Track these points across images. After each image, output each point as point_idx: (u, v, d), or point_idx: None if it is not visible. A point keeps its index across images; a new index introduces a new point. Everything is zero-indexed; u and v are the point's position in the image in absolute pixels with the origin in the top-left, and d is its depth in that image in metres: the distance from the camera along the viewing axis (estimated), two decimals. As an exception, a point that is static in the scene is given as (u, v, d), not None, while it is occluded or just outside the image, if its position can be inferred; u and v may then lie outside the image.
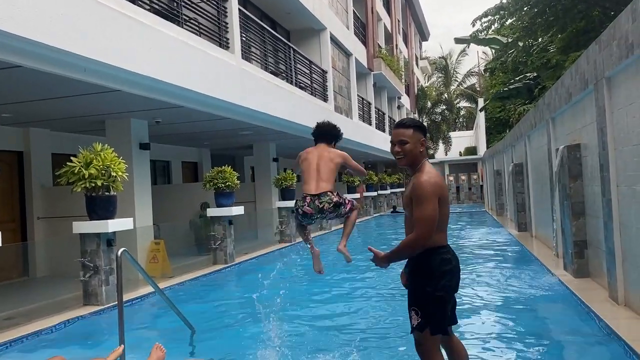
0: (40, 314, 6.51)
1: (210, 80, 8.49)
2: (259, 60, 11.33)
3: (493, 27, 18.54)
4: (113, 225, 7.05)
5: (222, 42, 9.30)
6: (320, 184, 4.45)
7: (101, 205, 6.98)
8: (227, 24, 9.48)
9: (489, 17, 17.51)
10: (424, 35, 46.78)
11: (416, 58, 41.42)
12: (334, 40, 17.39)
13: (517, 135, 14.55)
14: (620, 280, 5.65)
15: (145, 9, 7.14)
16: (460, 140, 41.11)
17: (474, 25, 18.28)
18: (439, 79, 46.27)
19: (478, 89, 42.03)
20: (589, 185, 7.04)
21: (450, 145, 39.79)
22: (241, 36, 10.07)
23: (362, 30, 22.47)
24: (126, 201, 8.59)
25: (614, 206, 5.67)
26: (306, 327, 5.95)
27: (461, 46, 41.37)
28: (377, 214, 25.91)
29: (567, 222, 7.67)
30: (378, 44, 25.04)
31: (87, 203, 7.01)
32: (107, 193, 6.98)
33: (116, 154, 7.13)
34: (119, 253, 4.45)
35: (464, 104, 46.01)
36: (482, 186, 33.24)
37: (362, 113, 21.17)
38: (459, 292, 3.37)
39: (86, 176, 6.68)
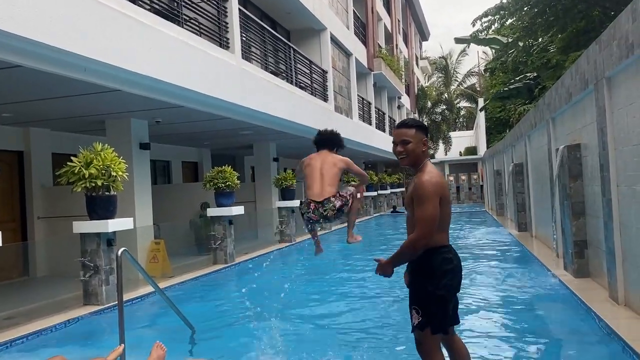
0: (40, 313, 6.51)
1: (210, 80, 8.49)
2: (259, 60, 11.33)
3: (493, 27, 18.55)
4: (113, 225, 7.05)
5: (222, 42, 9.30)
6: (325, 188, 4.53)
7: (101, 205, 6.98)
8: (227, 23, 9.48)
9: (489, 17, 17.52)
10: (424, 35, 46.78)
11: (416, 58, 41.41)
12: (334, 40, 17.39)
13: (517, 135, 14.55)
14: (620, 280, 5.65)
15: (145, 8, 7.14)
16: (461, 140, 41.11)
17: (474, 25, 18.31)
18: (439, 79, 46.26)
19: (478, 89, 42.04)
20: (589, 185, 7.04)
21: (450, 145, 39.78)
22: (241, 36, 10.07)
23: (362, 30, 22.46)
24: (126, 201, 8.59)
25: (614, 206, 5.67)
26: (306, 327, 5.95)
27: (461, 46, 41.40)
28: (377, 213, 25.91)
29: (567, 222, 7.67)
30: (378, 43, 25.04)
31: (87, 203, 7.01)
32: (107, 193, 6.98)
33: (116, 154, 7.14)
34: (119, 253, 4.45)
35: (464, 104, 46.03)
36: (482, 186, 33.25)
37: (362, 113, 21.17)
38: (459, 291, 3.37)
39: (86, 176, 6.68)
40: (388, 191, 29.40)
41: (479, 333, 5.23)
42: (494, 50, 27.41)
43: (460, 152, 40.17)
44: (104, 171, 6.84)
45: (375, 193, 25.83)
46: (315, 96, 14.65)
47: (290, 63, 13.17)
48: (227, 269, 10.10)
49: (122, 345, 3.92)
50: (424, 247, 3.14)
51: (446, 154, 39.77)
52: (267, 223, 14.27)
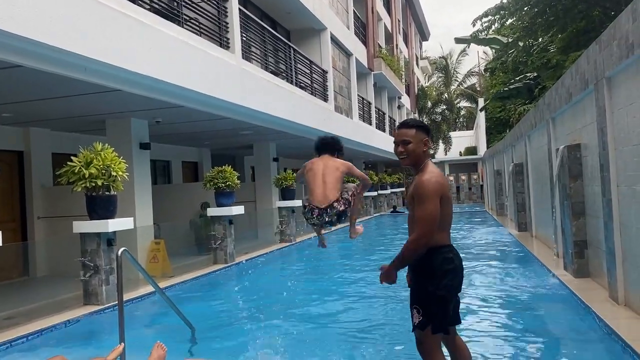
0: (40, 313, 6.51)
1: (210, 80, 8.49)
2: (259, 60, 11.33)
3: (493, 27, 18.56)
4: (113, 224, 7.05)
5: (223, 42, 9.30)
6: (327, 194, 4.56)
7: (101, 204, 6.98)
8: (227, 23, 9.48)
9: (489, 17, 17.53)
10: (424, 35, 46.77)
11: (416, 58, 41.41)
12: (334, 40, 17.39)
13: (517, 135, 14.55)
14: (620, 280, 5.65)
15: (145, 8, 7.13)
16: (461, 140, 41.12)
17: (474, 25, 18.33)
18: (439, 79, 46.27)
19: (478, 88, 42.05)
20: (589, 185, 7.04)
21: (451, 145, 39.80)
22: (241, 36, 10.06)
23: (362, 30, 22.46)
24: (126, 201, 8.59)
25: (614, 206, 5.67)
26: (306, 326, 5.95)
27: (461, 46, 41.40)
28: (377, 213, 25.92)
29: (567, 222, 7.67)
30: (378, 43, 25.04)
31: (88, 203, 7.01)
32: (107, 193, 6.98)
33: (116, 154, 7.14)
34: (119, 253, 4.45)
35: (464, 103, 46.04)
36: (482, 186, 33.25)
37: (362, 113, 21.17)
38: (461, 291, 3.37)
39: (86, 176, 6.68)
40: (388, 191, 29.40)
41: (479, 333, 5.23)
42: (494, 50, 27.41)
43: (460, 152, 40.18)
44: (104, 171, 6.84)
45: (375, 193, 25.82)
46: (315, 96, 14.65)
47: (291, 63, 13.17)
48: (227, 269, 10.11)
49: (122, 344, 3.92)
50: (425, 246, 3.14)
51: (446, 154, 39.79)
52: (267, 223, 14.28)
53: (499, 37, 19.51)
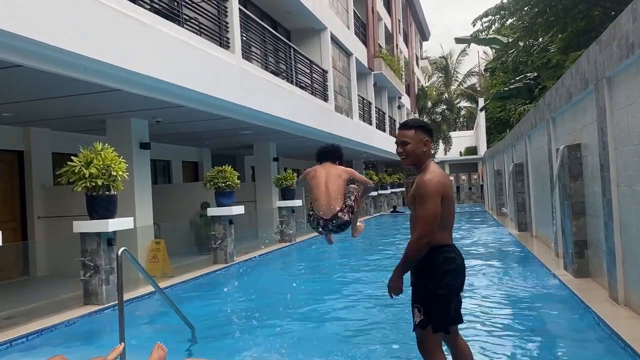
0: (40, 313, 6.52)
1: (210, 79, 8.50)
2: (259, 60, 11.33)
3: (493, 27, 18.53)
4: (113, 224, 7.05)
5: (223, 42, 9.31)
6: (331, 202, 4.59)
7: (101, 204, 6.99)
8: (227, 23, 9.48)
9: (490, 17, 17.50)
10: (424, 35, 46.77)
11: (416, 58, 41.41)
12: (334, 40, 17.39)
13: (518, 135, 14.55)
14: (620, 280, 5.65)
15: (145, 8, 7.14)
16: (461, 140, 41.10)
17: (474, 25, 18.30)
18: (440, 79, 46.27)
19: (478, 88, 42.05)
20: (589, 185, 7.04)
21: (451, 145, 39.79)
22: (241, 36, 10.07)
23: (362, 30, 22.46)
24: (126, 200, 8.59)
25: (614, 206, 5.67)
26: (305, 326, 5.95)
27: (461, 46, 41.40)
28: (377, 213, 25.92)
29: (568, 222, 7.67)
30: (378, 43, 25.04)
31: (88, 202, 7.01)
32: (107, 192, 6.99)
33: (116, 154, 7.14)
34: (120, 252, 4.46)
35: (464, 103, 46.03)
36: (482, 186, 33.26)
37: (362, 113, 21.17)
38: (462, 291, 3.37)
39: (87, 175, 6.69)
40: (388, 191, 29.41)
41: (479, 332, 5.23)
42: (494, 50, 27.40)
43: (460, 152, 40.16)
44: (104, 171, 6.84)
45: (375, 193, 25.81)
46: (315, 96, 14.65)
47: (291, 63, 13.17)
48: (227, 269, 10.11)
49: (122, 344, 3.92)
50: (426, 245, 3.14)
51: (446, 154, 39.77)
52: (268, 223, 14.28)
53: (499, 37, 19.49)
